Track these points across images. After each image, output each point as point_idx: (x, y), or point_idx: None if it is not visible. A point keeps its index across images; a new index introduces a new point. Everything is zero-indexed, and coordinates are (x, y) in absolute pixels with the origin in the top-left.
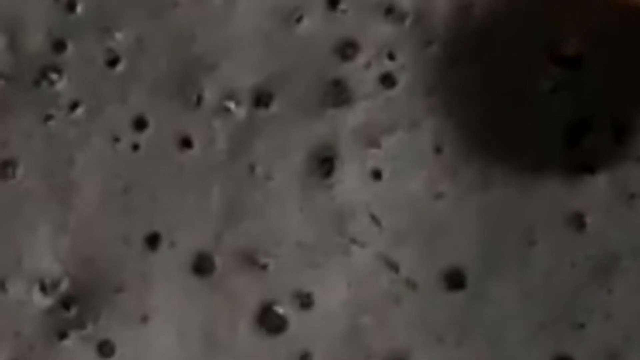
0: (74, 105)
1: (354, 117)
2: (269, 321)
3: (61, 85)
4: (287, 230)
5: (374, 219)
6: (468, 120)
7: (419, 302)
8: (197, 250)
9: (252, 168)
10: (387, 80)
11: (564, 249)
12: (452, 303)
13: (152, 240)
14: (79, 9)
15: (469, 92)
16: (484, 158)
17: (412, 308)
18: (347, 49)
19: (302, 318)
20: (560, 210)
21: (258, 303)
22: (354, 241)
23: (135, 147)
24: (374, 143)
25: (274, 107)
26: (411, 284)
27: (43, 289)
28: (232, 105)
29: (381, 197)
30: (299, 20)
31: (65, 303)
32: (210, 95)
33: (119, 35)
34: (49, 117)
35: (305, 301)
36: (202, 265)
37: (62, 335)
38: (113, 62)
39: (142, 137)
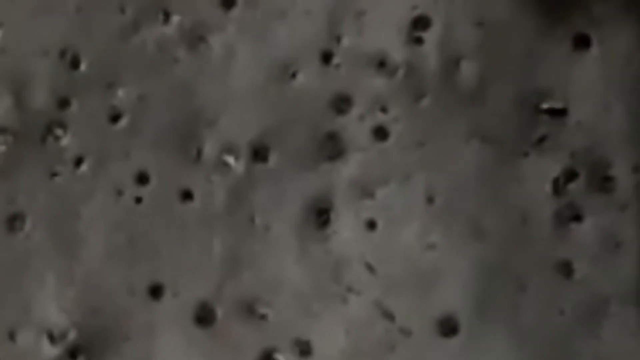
0: (78, 161)
1: (348, 169)
2: None
3: (66, 140)
4: (285, 280)
5: (370, 268)
6: (458, 171)
7: (414, 349)
8: (199, 300)
9: (251, 220)
10: (380, 132)
11: (553, 295)
12: (446, 349)
13: (156, 291)
14: (83, 66)
15: (459, 143)
16: (475, 208)
17: (408, 354)
18: (341, 103)
19: None
20: (549, 258)
21: (259, 351)
22: (350, 290)
23: (138, 200)
24: (368, 194)
25: (271, 161)
26: (406, 331)
27: (51, 339)
28: (231, 159)
29: (376, 247)
30: (294, 75)
31: (73, 352)
32: (209, 150)
33: (121, 92)
34: (55, 174)
35: (304, 349)
36: (204, 315)
37: None
38: (116, 117)
39: (145, 191)
